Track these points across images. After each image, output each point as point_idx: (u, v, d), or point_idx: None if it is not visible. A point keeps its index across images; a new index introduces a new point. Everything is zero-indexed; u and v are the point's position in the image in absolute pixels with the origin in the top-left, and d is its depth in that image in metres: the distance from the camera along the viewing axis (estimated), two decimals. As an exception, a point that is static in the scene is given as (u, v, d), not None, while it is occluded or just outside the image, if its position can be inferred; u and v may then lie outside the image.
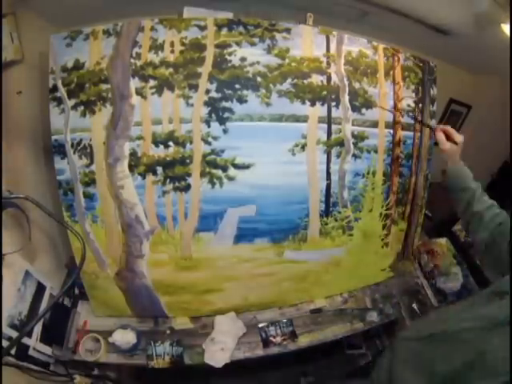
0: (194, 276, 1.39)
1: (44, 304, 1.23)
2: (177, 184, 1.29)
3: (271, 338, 1.47)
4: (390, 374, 0.83)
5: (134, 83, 1.21)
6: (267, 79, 1.28)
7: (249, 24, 1.25)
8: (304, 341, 1.50)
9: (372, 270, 1.68)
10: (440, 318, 0.89)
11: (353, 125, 1.42)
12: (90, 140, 1.24)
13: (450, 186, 1.06)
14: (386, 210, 1.59)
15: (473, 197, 0.99)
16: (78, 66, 1.20)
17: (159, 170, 1.27)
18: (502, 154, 2.34)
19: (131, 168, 1.25)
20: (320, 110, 1.36)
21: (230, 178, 1.31)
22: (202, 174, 1.29)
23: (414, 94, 1.56)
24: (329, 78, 1.36)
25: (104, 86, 1.20)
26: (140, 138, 1.24)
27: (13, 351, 1.06)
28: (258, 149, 1.33)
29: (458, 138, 1.04)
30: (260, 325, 1.50)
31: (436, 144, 1.12)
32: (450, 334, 0.74)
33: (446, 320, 0.82)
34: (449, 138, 1.05)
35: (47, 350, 1.25)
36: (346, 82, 1.38)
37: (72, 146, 1.24)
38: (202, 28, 1.23)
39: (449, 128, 1.06)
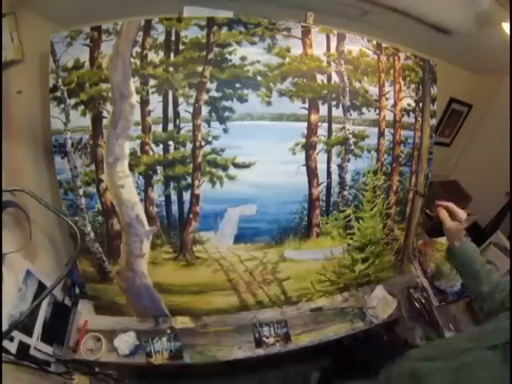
0: (194, 275, 1.39)
1: (45, 303, 1.24)
2: (177, 183, 1.29)
3: (264, 339, 1.47)
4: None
5: (134, 83, 1.21)
6: (267, 78, 1.27)
7: (249, 23, 1.25)
8: (304, 340, 1.50)
9: (372, 270, 1.68)
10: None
11: (353, 124, 1.42)
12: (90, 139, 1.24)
13: (456, 263, 1.04)
14: (386, 209, 1.59)
15: (479, 276, 0.96)
16: (78, 65, 1.19)
17: (159, 169, 1.27)
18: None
19: (131, 167, 1.25)
20: (320, 109, 1.36)
21: (231, 178, 1.31)
22: (203, 174, 1.29)
23: (414, 94, 1.56)
24: (329, 77, 1.36)
25: (104, 86, 1.20)
26: (140, 137, 1.24)
27: (14, 350, 1.07)
28: (259, 148, 1.32)
29: (462, 215, 1.00)
30: (256, 324, 1.50)
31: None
32: None
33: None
34: (452, 215, 1.01)
35: (48, 349, 1.25)
36: (347, 81, 1.38)
37: (72, 145, 1.24)
38: (202, 27, 1.22)
39: (451, 205, 1.03)
